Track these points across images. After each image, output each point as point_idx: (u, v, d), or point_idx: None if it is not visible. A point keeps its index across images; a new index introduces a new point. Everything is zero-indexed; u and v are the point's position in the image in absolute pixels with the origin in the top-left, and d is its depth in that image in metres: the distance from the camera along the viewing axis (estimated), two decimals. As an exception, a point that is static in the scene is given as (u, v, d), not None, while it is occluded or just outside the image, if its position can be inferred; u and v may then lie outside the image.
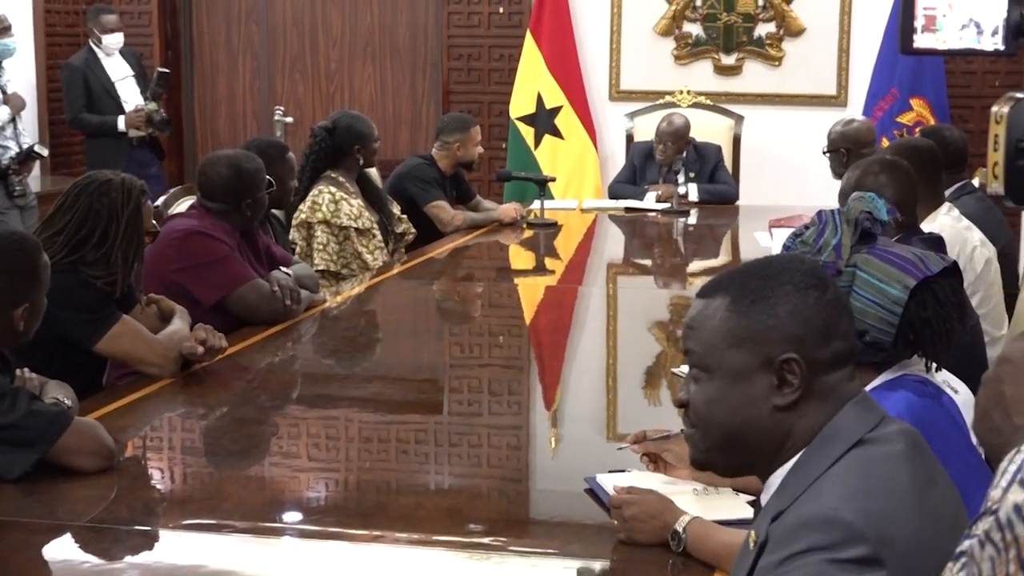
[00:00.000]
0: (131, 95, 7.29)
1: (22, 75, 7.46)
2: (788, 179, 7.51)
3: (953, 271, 2.18)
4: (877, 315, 2.10)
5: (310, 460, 2.83)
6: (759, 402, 1.60)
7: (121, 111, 7.17)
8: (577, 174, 7.75)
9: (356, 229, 5.06)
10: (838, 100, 7.69)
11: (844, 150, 5.48)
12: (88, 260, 3.19)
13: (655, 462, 2.54)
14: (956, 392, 2.29)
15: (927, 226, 3.67)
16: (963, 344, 2.21)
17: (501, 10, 8.04)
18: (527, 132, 7.79)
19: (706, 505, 2.33)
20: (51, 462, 2.49)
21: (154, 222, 3.51)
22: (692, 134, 6.88)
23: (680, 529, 2.15)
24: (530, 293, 5.12)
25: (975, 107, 7.46)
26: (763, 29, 7.80)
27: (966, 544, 1.27)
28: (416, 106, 8.40)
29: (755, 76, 7.82)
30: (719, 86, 7.83)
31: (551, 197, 6.77)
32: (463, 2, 8.05)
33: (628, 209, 6.65)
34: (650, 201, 6.64)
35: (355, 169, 5.30)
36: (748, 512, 2.30)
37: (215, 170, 3.91)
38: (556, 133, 7.77)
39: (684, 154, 6.86)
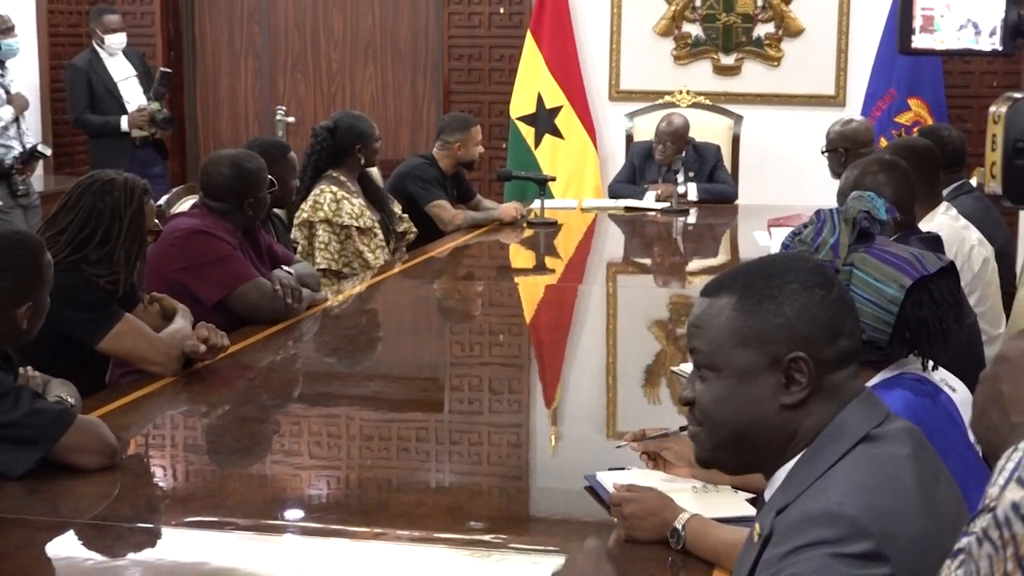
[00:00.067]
0: (134, 95, 7.29)
1: (25, 75, 7.47)
2: (787, 179, 7.52)
3: (950, 271, 2.19)
4: (873, 314, 2.11)
5: (312, 458, 2.84)
6: (766, 401, 1.60)
7: (124, 111, 7.17)
8: (577, 174, 7.76)
9: (357, 228, 5.07)
10: (836, 100, 7.70)
11: (842, 150, 5.49)
12: (91, 259, 3.21)
13: (654, 460, 2.54)
14: (954, 390, 2.29)
15: (925, 225, 3.68)
16: (960, 343, 2.22)
17: (501, 11, 8.05)
18: (527, 132, 7.80)
19: (705, 503, 2.33)
20: (54, 460, 2.50)
21: (156, 221, 3.52)
22: (691, 134, 6.89)
23: (679, 526, 2.16)
24: (530, 292, 5.13)
25: (973, 107, 7.47)
26: (762, 29, 7.81)
27: (964, 541, 1.27)
28: (417, 106, 8.41)
29: (754, 76, 7.83)
30: (718, 86, 7.84)
31: (551, 196, 6.78)
32: (464, 3, 8.06)
33: (628, 208, 6.66)
34: (650, 200, 6.66)
35: (356, 168, 5.31)
36: (747, 509, 2.30)
37: (217, 170, 3.92)
38: (556, 133, 7.78)
39: (683, 154, 6.87)
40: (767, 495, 1.65)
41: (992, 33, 2.87)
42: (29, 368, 2.79)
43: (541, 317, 4.71)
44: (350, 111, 5.68)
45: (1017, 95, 2.40)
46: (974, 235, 4.01)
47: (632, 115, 7.79)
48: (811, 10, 7.70)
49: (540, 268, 5.59)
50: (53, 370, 2.88)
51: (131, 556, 2.29)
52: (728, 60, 7.85)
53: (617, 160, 7.61)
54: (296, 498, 2.62)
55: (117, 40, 7.30)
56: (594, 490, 2.48)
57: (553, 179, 6.82)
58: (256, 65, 8.58)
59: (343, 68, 8.45)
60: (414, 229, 5.58)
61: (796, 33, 7.75)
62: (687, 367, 3.36)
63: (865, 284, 2.11)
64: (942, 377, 2.29)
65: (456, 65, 8.14)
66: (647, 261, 5.95)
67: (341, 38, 8.43)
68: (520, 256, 5.88)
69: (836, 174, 5.30)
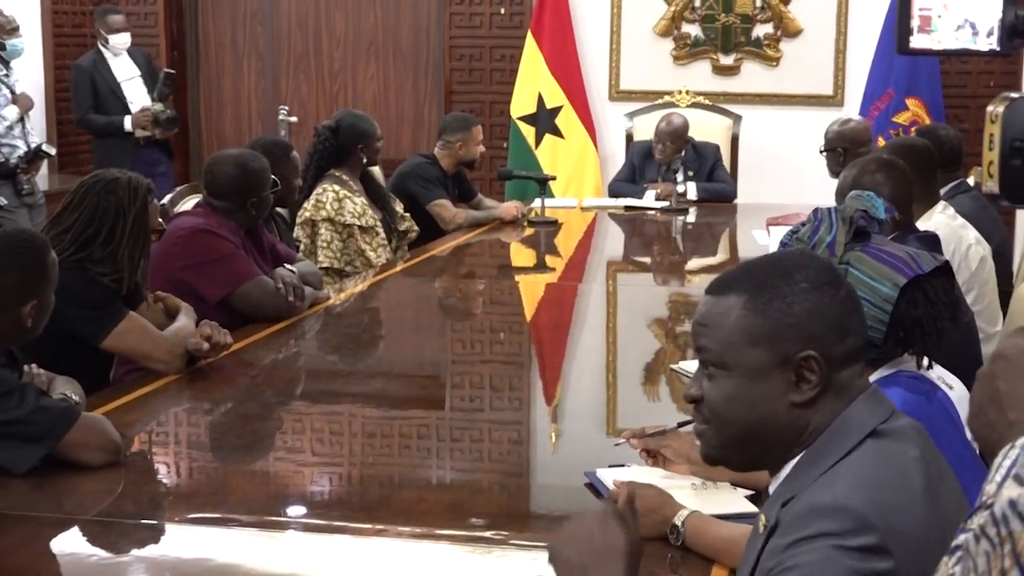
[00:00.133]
0: (137, 95, 7.30)
1: (30, 75, 7.49)
2: (785, 178, 7.53)
3: (945, 270, 2.19)
4: (868, 312, 2.09)
5: (314, 455, 2.85)
6: (776, 399, 1.61)
7: (127, 111, 7.19)
8: (577, 173, 7.77)
9: (360, 227, 5.08)
10: (835, 100, 7.71)
11: (841, 149, 5.50)
12: (95, 258, 3.22)
13: (654, 457, 2.55)
14: (951, 388, 2.30)
15: (923, 224, 3.69)
16: (954, 342, 2.22)
17: (502, 11, 8.06)
18: (528, 131, 7.81)
19: (704, 499, 2.34)
20: (59, 457, 2.51)
21: (160, 220, 3.53)
22: (691, 133, 6.91)
23: (679, 523, 2.17)
24: (531, 290, 5.14)
25: (970, 107, 7.47)
26: (761, 30, 7.82)
27: (961, 538, 1.27)
28: (418, 106, 8.42)
29: (753, 76, 7.84)
30: (717, 86, 7.85)
31: (552, 195, 6.79)
32: (465, 3, 8.08)
33: (628, 207, 6.67)
34: (649, 199, 6.67)
35: (358, 168, 5.32)
36: (746, 506, 2.32)
37: (221, 169, 3.94)
38: (557, 132, 7.79)
39: (683, 153, 6.88)
40: (772, 488, 1.66)
41: (989, 33, 2.88)
42: (34, 366, 2.80)
43: (541, 315, 4.72)
44: (352, 111, 5.69)
45: (1014, 95, 2.41)
46: (971, 234, 4.02)
47: (632, 115, 7.80)
48: (809, 11, 7.71)
49: (540, 267, 5.60)
50: (58, 368, 2.89)
51: (135, 552, 2.30)
52: (727, 60, 7.86)
53: (617, 159, 7.62)
54: (298, 495, 2.63)
55: (121, 40, 7.31)
56: (594, 487, 2.49)
57: (553, 178, 6.83)
58: (259, 65, 8.59)
59: (345, 68, 8.46)
60: (416, 228, 5.60)
61: (795, 33, 7.76)
62: (687, 365, 3.39)
63: (860, 282, 2.11)
64: (939, 375, 2.30)
65: (457, 65, 8.16)
66: (647, 260, 5.96)
67: (343, 38, 8.45)
68: (521, 255, 5.90)
69: (834, 173, 5.32)
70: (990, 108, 2.43)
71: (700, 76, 7.86)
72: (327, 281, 4.76)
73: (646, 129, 7.30)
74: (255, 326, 3.82)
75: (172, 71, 7.46)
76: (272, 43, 8.53)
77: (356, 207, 5.11)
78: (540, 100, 7.78)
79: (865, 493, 1.51)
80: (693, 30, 7.86)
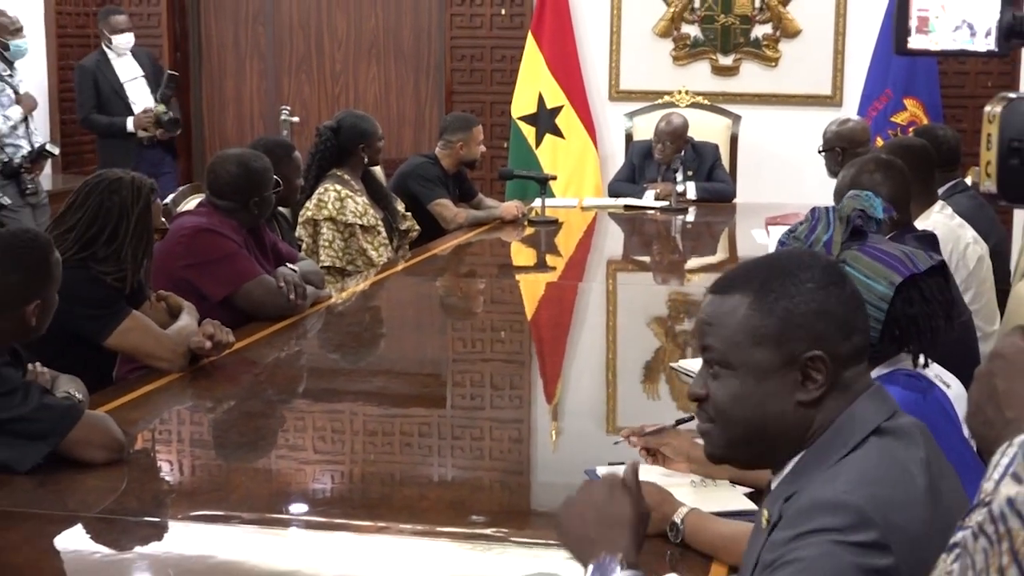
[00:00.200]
0: (140, 96, 7.32)
1: (34, 75, 7.51)
2: (784, 177, 7.54)
3: (941, 269, 2.20)
4: (864, 311, 2.13)
5: (316, 453, 2.86)
6: (782, 398, 1.61)
7: (130, 111, 7.20)
8: (577, 173, 7.78)
9: (361, 226, 5.10)
10: (833, 100, 7.72)
11: (839, 149, 5.52)
12: (99, 257, 3.23)
13: (653, 455, 2.55)
14: (948, 386, 2.31)
15: (921, 224, 3.70)
16: (949, 341, 2.23)
17: (503, 12, 8.08)
18: (528, 131, 7.83)
19: (704, 497, 2.35)
20: (62, 454, 2.52)
21: (163, 219, 3.54)
22: (690, 133, 6.92)
23: (678, 520, 2.17)
24: (531, 289, 5.14)
25: (968, 107, 7.48)
26: (760, 30, 7.83)
27: (959, 536, 1.27)
28: (419, 106, 8.43)
29: (752, 76, 7.86)
30: (717, 86, 7.86)
31: (552, 195, 6.81)
32: (466, 4, 8.09)
33: (627, 207, 6.68)
34: (649, 199, 6.68)
35: (360, 167, 5.34)
36: (745, 504, 2.32)
37: (224, 168, 3.95)
38: (557, 132, 7.80)
39: (682, 153, 6.89)
40: (774, 484, 1.67)
41: (987, 34, 2.89)
42: (37, 364, 2.81)
43: (542, 314, 4.73)
44: (354, 111, 5.70)
45: (1012, 95, 2.42)
46: (969, 233, 4.03)
47: (632, 115, 7.81)
48: (808, 11, 7.72)
49: (541, 266, 5.61)
50: (61, 366, 2.90)
51: (138, 549, 2.31)
52: (726, 61, 7.88)
53: (617, 159, 7.64)
54: (300, 492, 2.64)
55: (124, 40, 7.33)
56: (594, 485, 2.50)
57: (554, 178, 6.84)
58: (261, 66, 8.61)
59: (347, 69, 8.48)
60: (417, 227, 5.61)
61: (793, 34, 7.78)
62: (686, 363, 3.40)
63: (856, 281, 2.09)
64: (936, 373, 2.31)
65: (458, 66, 8.17)
66: (646, 259, 5.97)
67: (345, 39, 8.46)
68: (521, 254, 5.90)
69: (833, 173, 5.34)
70: (988, 108, 2.44)
71: (699, 76, 7.88)
72: (329, 280, 4.77)
73: (646, 129, 7.31)
74: (257, 325, 3.83)
75: (176, 73, 7.48)
76: (274, 44, 8.55)
77: (358, 206, 5.12)
78: (540, 100, 7.79)
79: (867, 490, 1.52)
80: (692, 30, 7.87)
